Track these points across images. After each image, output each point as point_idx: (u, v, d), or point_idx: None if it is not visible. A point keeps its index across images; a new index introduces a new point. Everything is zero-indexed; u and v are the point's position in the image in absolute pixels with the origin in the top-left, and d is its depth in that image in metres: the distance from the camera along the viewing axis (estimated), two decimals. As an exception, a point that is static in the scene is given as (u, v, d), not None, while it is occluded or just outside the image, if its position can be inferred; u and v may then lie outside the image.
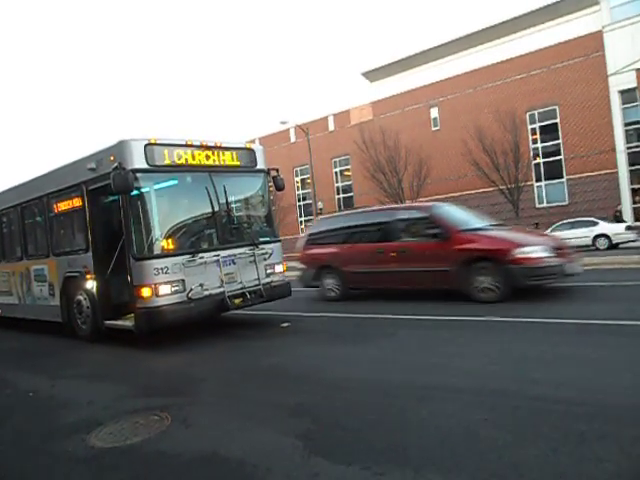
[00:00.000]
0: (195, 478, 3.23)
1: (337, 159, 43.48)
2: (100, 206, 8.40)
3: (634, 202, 29.94)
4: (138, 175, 7.24)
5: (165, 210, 7.88)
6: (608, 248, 21.67)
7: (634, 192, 29.98)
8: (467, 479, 2.83)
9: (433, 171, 33.71)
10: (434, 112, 37.27)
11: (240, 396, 4.92)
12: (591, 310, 7.62)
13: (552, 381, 4.39)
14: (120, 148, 7.38)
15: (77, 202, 8.55)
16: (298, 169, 45.51)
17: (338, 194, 43.94)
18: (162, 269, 7.22)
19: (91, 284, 8.19)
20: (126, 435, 4.02)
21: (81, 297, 8.49)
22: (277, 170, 9.30)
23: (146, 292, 7.14)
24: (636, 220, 28.56)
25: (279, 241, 9.18)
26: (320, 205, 38.74)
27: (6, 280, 11.05)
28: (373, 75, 43.07)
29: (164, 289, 7.20)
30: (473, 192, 33.96)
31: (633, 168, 29.73)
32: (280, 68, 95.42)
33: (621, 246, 22.05)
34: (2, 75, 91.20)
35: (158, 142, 7.58)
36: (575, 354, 5.26)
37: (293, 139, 45.59)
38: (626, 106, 29.69)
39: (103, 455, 3.71)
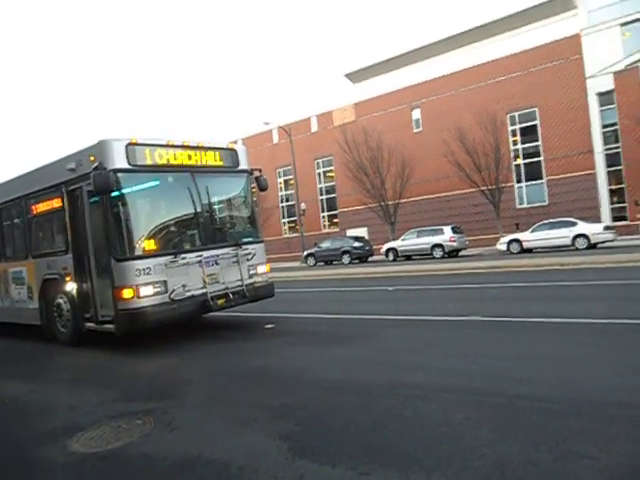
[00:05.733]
0: (179, 481, 3.19)
1: (320, 160, 43.51)
2: (80, 207, 8.27)
3: (612, 202, 30.51)
4: (119, 175, 7.15)
5: (147, 210, 7.81)
6: (587, 248, 22.04)
7: (612, 193, 30.56)
8: (451, 478, 2.85)
9: (416, 172, 33.92)
10: (416, 113, 37.55)
11: (225, 398, 4.89)
12: (571, 309, 7.75)
13: (533, 379, 4.45)
14: (101, 148, 7.28)
15: (57, 203, 8.41)
16: (281, 170, 45.44)
17: (321, 195, 44.00)
18: (144, 270, 7.14)
19: (71, 286, 8.07)
20: (108, 440, 3.96)
21: (61, 300, 8.35)
22: (260, 170, 9.27)
23: (127, 293, 7.05)
24: (614, 220, 29.11)
25: (262, 242, 9.15)
26: (303, 206, 38.72)
27: (-17, 283, 10.82)
28: (356, 76, 43.24)
29: (146, 290, 7.12)
30: (456, 193, 34.34)
31: (611, 169, 30.35)
32: (263, 69, 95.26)
33: (599, 246, 22.45)
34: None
35: (139, 142, 7.50)
36: (555, 352, 5.34)
37: (276, 140, 45.50)
38: (603, 108, 30.29)
39: (84, 461, 3.65)
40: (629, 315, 6.70)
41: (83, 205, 7.89)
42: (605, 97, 29.98)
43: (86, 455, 3.73)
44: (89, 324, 7.91)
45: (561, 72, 31.04)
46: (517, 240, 24.52)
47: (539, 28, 33.38)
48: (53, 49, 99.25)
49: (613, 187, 30.49)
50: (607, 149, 30.40)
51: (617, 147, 29.84)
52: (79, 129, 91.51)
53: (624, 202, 29.84)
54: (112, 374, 6.42)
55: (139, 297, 7.07)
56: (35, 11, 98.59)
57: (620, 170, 29.80)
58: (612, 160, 30.15)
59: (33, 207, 9.10)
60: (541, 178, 32.67)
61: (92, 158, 7.32)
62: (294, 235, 43.27)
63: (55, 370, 7.02)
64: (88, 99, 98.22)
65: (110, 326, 7.43)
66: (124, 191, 7.27)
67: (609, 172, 30.41)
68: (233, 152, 8.89)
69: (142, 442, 3.84)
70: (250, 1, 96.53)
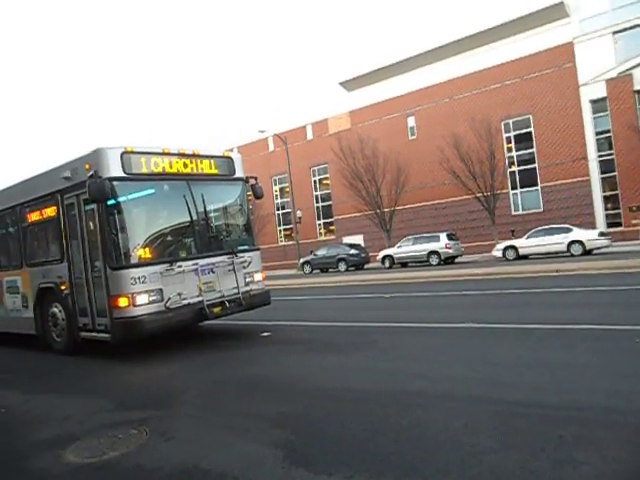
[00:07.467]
0: (175, 492, 3.17)
1: (316, 168, 43.57)
2: (76, 215, 8.25)
3: (606, 209, 30.65)
4: (114, 183, 7.14)
5: (142, 218, 7.79)
6: (582, 254, 22.10)
7: (606, 199, 30.70)
8: (449, 486, 2.84)
9: (411, 179, 34.02)
10: (411, 121, 37.69)
11: (221, 407, 4.87)
12: (567, 315, 7.76)
13: (531, 386, 4.45)
14: (96, 156, 7.27)
15: (52, 211, 8.39)
16: (277, 178, 45.49)
17: (317, 203, 44.02)
18: (139, 278, 7.11)
19: (66, 295, 8.02)
20: (103, 450, 3.92)
21: (56, 309, 8.31)
22: (256, 178, 9.28)
23: (123, 302, 7.02)
24: (609, 227, 29.24)
25: (258, 249, 9.14)
26: (299, 214, 38.77)
27: (-23, 292, 10.74)
28: (351, 84, 43.41)
29: (141, 299, 7.09)
30: (451, 200, 34.41)
31: (604, 176, 30.48)
32: (258, 77, 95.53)
33: (594, 252, 22.51)
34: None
35: (135, 150, 7.49)
36: (552, 358, 5.34)
37: (272, 148, 45.58)
38: (597, 115, 30.49)
39: (79, 471, 3.62)
40: (624, 321, 6.71)
41: (78, 213, 7.87)
42: (598, 104, 30.20)
43: (81, 465, 3.69)
44: (84, 333, 7.87)
45: (555, 79, 31.27)
46: (513, 247, 24.57)
47: (532, 36, 33.65)
48: (46, 56, 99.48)
49: (607, 193, 30.64)
50: (601, 156, 30.57)
51: (611, 154, 30.00)
52: (74, 135, 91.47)
53: (618, 208, 29.97)
54: (107, 383, 6.38)
55: (135, 305, 7.04)
56: (28, 19, 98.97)
57: (614, 176, 29.96)
58: (606, 167, 30.32)
59: (28, 216, 9.07)
60: (536, 185, 32.81)
61: (87, 166, 7.31)
62: (290, 243, 43.25)
63: (50, 379, 6.97)
64: (83, 106, 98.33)
65: (106, 335, 7.40)
66: (119, 199, 7.26)
67: (603, 179, 30.57)
68: (229, 160, 8.89)
69: (138, 452, 3.81)
70: (246, 9, 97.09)
